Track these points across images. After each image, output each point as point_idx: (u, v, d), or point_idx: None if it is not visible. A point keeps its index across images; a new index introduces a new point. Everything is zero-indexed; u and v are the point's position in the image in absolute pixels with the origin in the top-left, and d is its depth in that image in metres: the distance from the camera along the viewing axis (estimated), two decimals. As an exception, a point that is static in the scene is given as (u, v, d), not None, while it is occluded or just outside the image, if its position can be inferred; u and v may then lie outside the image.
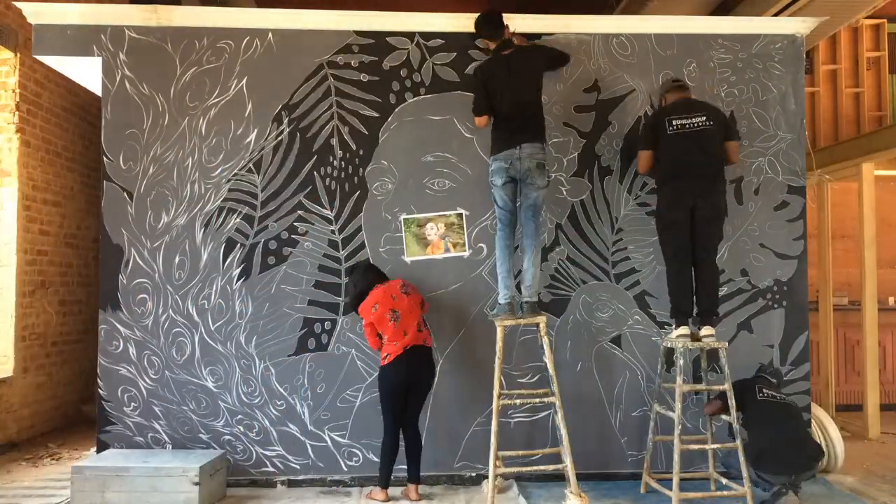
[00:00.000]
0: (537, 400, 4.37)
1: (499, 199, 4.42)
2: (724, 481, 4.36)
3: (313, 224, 4.79)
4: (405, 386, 4.33)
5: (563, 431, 4.18)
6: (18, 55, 5.77)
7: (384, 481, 4.38)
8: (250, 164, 4.78)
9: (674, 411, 4.18)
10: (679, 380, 4.19)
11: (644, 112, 4.93)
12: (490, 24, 4.50)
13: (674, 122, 4.36)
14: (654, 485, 4.42)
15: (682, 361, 4.23)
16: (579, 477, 4.23)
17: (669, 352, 4.49)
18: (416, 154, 4.84)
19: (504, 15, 4.84)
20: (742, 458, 4.09)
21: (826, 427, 4.88)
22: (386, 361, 4.32)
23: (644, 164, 4.50)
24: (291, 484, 4.64)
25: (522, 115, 4.35)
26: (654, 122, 4.48)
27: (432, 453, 4.73)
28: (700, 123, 4.35)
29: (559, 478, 4.63)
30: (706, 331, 4.34)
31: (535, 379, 4.77)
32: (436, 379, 4.55)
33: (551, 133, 4.86)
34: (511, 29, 4.56)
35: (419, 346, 4.34)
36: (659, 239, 4.57)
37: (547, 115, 4.84)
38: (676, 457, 4.09)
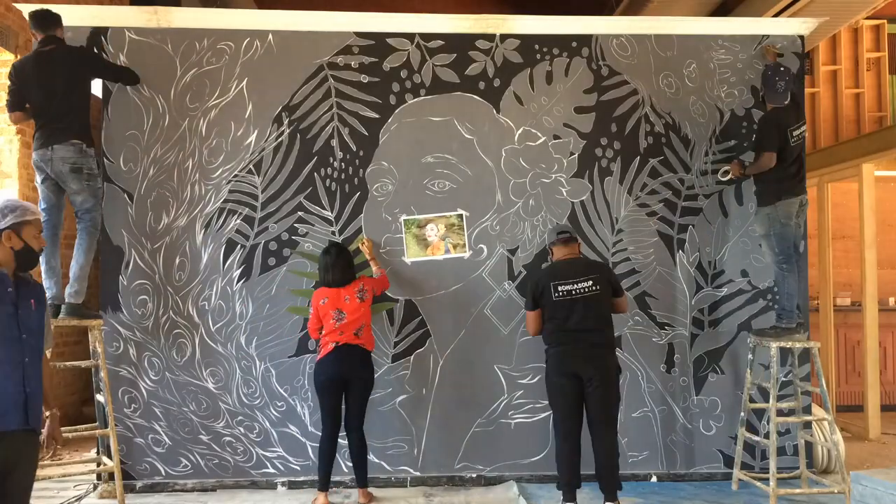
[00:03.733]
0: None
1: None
2: (815, 478, 4.54)
3: (313, 225, 4.79)
4: (337, 383, 4.27)
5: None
6: (19, 57, 5.77)
7: (321, 483, 4.31)
8: (250, 166, 4.78)
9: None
10: (773, 378, 4.47)
11: (644, 113, 4.93)
12: (34, 20, 4.31)
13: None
14: (748, 479, 4.57)
15: (775, 369, 4.41)
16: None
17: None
18: (416, 155, 4.84)
19: (503, 16, 4.87)
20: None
21: (826, 428, 4.87)
22: (319, 357, 4.33)
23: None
24: (292, 485, 4.64)
25: (51, 114, 4.23)
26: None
27: (432, 454, 4.73)
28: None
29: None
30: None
31: (536, 380, 4.77)
32: (373, 380, 4.41)
33: (552, 134, 4.88)
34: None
35: (352, 344, 4.28)
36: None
37: (547, 116, 4.87)
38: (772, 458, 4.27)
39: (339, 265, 4.40)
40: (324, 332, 4.35)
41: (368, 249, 4.66)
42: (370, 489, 4.46)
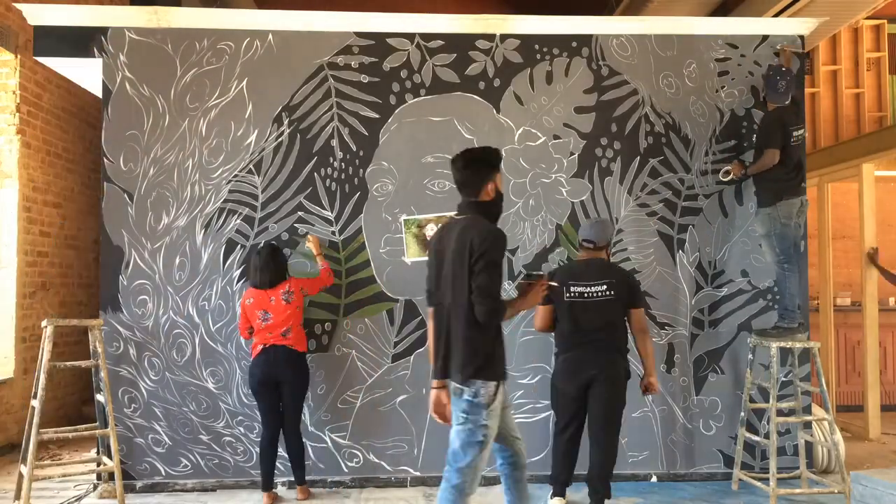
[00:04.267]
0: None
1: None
2: (815, 478, 4.54)
3: (313, 225, 4.79)
4: (268, 384, 4.31)
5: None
6: (19, 57, 5.78)
7: (263, 484, 4.36)
8: (250, 166, 4.78)
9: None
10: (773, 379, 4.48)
11: (644, 113, 4.93)
12: None
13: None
14: (748, 479, 4.56)
15: (775, 369, 4.43)
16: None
17: None
18: (416, 155, 4.85)
19: (503, 16, 4.88)
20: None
21: (826, 428, 4.87)
22: (252, 357, 4.40)
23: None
24: (292, 485, 4.63)
25: None
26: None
27: (432, 454, 4.73)
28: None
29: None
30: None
31: (536, 380, 4.77)
32: (306, 381, 4.43)
33: (552, 134, 4.88)
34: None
35: (280, 345, 4.31)
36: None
37: (547, 116, 4.88)
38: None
39: (269, 267, 4.38)
40: (253, 332, 4.41)
41: (315, 245, 4.64)
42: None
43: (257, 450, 4.66)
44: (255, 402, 4.46)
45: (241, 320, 4.48)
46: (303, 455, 4.44)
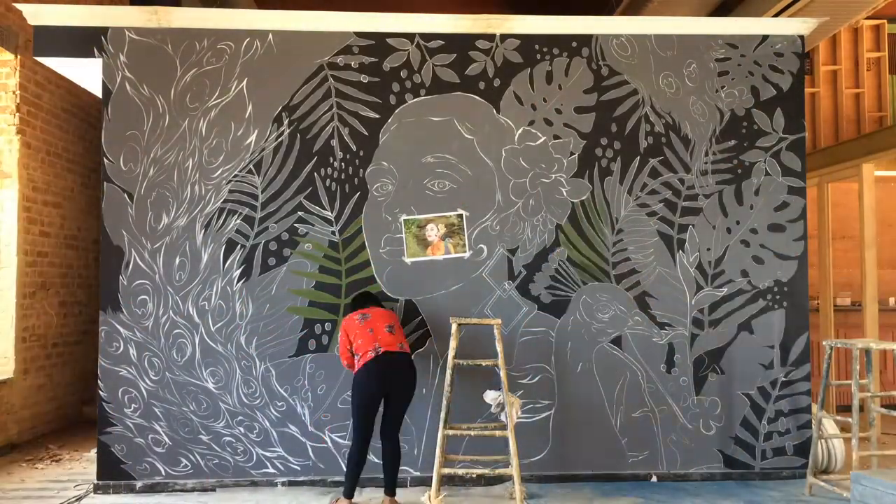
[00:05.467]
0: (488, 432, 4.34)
1: None
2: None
3: (314, 225, 4.79)
4: (379, 395, 4.12)
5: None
6: (19, 57, 5.78)
7: (348, 491, 4.20)
8: (250, 166, 4.78)
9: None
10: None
11: (644, 113, 4.93)
12: None
13: None
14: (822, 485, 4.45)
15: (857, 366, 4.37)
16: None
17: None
18: (416, 155, 4.85)
19: (503, 16, 4.89)
20: None
21: (826, 428, 4.87)
22: (359, 366, 4.13)
23: None
24: (292, 485, 4.64)
25: None
26: None
27: (432, 454, 4.72)
28: None
29: (559, 479, 4.64)
30: None
31: (536, 380, 4.77)
32: (414, 388, 4.24)
33: (552, 134, 4.88)
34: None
35: (394, 351, 4.11)
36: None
37: (547, 116, 4.89)
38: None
39: (373, 300, 4.47)
40: (357, 343, 4.18)
41: None
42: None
43: (257, 450, 4.67)
44: (355, 413, 4.15)
45: (341, 343, 4.27)
46: (399, 464, 4.33)
